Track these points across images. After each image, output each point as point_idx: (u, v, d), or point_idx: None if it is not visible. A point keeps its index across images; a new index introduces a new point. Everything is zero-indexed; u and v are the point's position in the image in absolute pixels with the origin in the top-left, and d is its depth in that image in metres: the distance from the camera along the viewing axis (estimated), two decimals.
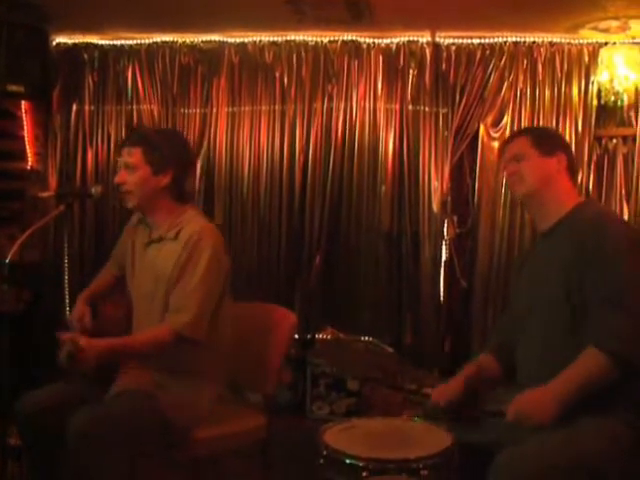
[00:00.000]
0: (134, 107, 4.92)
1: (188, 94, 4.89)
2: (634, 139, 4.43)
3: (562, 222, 2.39)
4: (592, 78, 4.47)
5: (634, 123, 4.44)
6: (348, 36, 4.74)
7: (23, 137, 4.74)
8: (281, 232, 4.82)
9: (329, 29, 4.66)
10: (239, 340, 2.95)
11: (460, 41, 4.65)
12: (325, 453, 2.13)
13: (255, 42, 4.84)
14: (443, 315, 4.63)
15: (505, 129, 4.60)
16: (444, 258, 4.58)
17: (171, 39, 4.89)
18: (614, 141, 4.51)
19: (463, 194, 4.75)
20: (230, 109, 4.85)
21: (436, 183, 4.63)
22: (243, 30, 4.76)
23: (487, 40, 4.61)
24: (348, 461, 2.06)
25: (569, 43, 4.53)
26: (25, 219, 4.52)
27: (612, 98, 4.35)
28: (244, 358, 3.00)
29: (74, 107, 4.93)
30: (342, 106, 4.75)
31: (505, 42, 4.60)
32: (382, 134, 4.72)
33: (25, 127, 4.73)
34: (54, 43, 4.88)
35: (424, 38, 4.67)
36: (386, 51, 4.73)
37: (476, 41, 4.63)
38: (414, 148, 4.68)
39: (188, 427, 2.66)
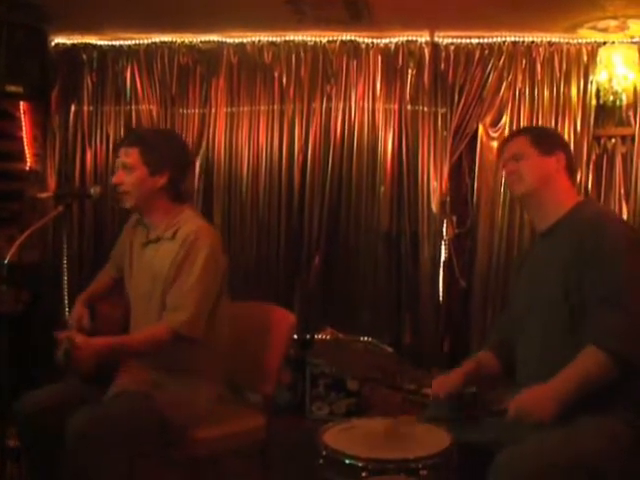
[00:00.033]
0: (133, 107, 4.91)
1: (187, 94, 4.89)
2: (633, 139, 4.43)
3: (561, 222, 2.39)
4: (591, 78, 4.47)
5: (633, 123, 4.44)
6: (347, 36, 4.73)
7: (22, 138, 4.73)
8: (280, 232, 4.82)
9: (328, 29, 4.66)
10: (238, 340, 2.95)
11: (459, 41, 4.65)
12: (324, 453, 2.14)
13: (254, 42, 4.83)
14: (442, 315, 4.63)
15: (504, 129, 4.59)
16: (443, 258, 4.58)
17: (170, 39, 4.89)
18: (613, 141, 4.51)
19: (462, 194, 4.75)
20: (229, 109, 4.85)
21: (435, 183, 4.63)
22: (242, 30, 4.76)
23: (486, 40, 4.61)
24: (347, 461, 2.06)
25: (568, 43, 4.52)
26: (24, 220, 4.52)
27: (611, 98, 4.34)
28: (243, 358, 3.00)
29: (73, 107, 4.93)
30: (341, 106, 4.75)
31: (504, 42, 4.60)
32: (381, 134, 4.72)
33: (24, 128, 4.73)
34: (53, 43, 4.88)
35: (423, 38, 4.67)
36: (385, 51, 4.72)
37: (475, 41, 4.63)
38: (413, 148, 4.68)
39: (186, 426, 2.66)
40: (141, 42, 4.91)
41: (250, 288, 4.66)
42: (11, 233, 4.21)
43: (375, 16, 4.32)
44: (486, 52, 4.62)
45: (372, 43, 4.73)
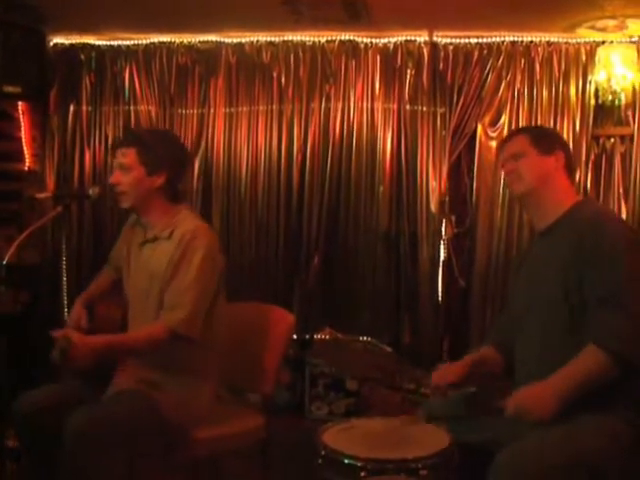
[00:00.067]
0: (131, 108, 4.91)
1: (185, 94, 4.89)
2: (631, 138, 4.44)
3: (560, 221, 2.39)
4: (589, 77, 4.47)
5: (631, 122, 4.45)
6: (345, 36, 4.74)
7: (20, 138, 4.73)
8: (279, 232, 4.82)
9: (326, 29, 4.66)
10: (237, 340, 2.95)
11: (458, 41, 4.65)
12: (324, 453, 2.13)
13: (252, 42, 4.84)
14: (441, 315, 4.63)
15: (503, 129, 4.60)
16: (442, 258, 4.57)
17: (168, 39, 4.89)
18: (612, 140, 4.52)
19: (461, 194, 4.75)
20: (227, 109, 4.85)
21: (434, 183, 4.63)
22: (240, 30, 4.76)
23: (485, 40, 4.62)
24: (347, 461, 2.06)
25: (566, 42, 4.53)
26: (23, 220, 4.52)
27: (609, 97, 4.35)
28: (242, 358, 3.00)
29: (71, 108, 4.93)
30: (340, 106, 4.75)
31: (503, 42, 4.60)
32: (380, 134, 4.72)
33: (22, 128, 4.73)
34: (51, 44, 4.88)
35: (421, 38, 4.67)
36: (383, 51, 4.73)
37: (474, 41, 4.63)
38: (412, 148, 4.68)
39: (186, 427, 2.65)
40: (139, 42, 4.91)
41: (249, 288, 4.65)
42: (10, 233, 4.21)
43: (374, 16, 4.32)
44: (485, 52, 4.62)
45: (371, 43, 4.73)
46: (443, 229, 4.55)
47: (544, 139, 2.46)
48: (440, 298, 4.63)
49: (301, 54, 4.78)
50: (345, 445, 2.12)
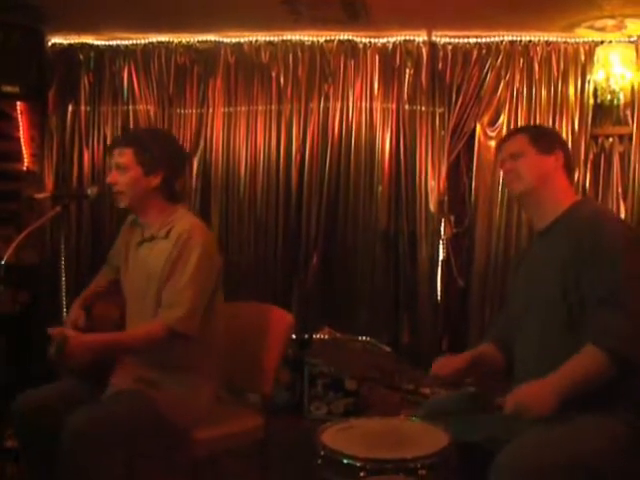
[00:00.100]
0: (130, 108, 4.90)
1: (184, 94, 4.89)
2: (630, 138, 4.44)
3: (559, 221, 2.39)
4: (588, 77, 4.47)
5: (630, 122, 4.45)
6: (344, 36, 4.73)
7: (19, 138, 4.73)
8: (278, 232, 4.82)
9: (325, 29, 4.66)
10: (236, 340, 2.95)
11: (456, 40, 4.65)
12: (323, 453, 2.13)
13: (251, 42, 4.83)
14: (440, 314, 4.63)
15: (501, 128, 4.60)
16: (441, 257, 4.58)
17: (167, 39, 4.88)
18: (610, 140, 4.52)
19: (460, 193, 4.75)
20: (226, 109, 4.85)
21: (433, 182, 4.63)
22: (239, 30, 4.76)
23: (483, 39, 4.62)
24: (346, 461, 2.06)
25: (565, 42, 4.53)
26: (21, 220, 4.51)
27: (608, 97, 4.35)
28: (241, 358, 3.00)
29: (70, 108, 4.92)
30: (338, 106, 4.75)
31: (501, 41, 4.60)
32: (379, 134, 4.72)
33: (21, 128, 4.73)
34: (49, 43, 4.87)
35: (420, 37, 4.67)
36: (382, 50, 4.72)
37: (472, 40, 4.63)
38: (411, 147, 4.68)
39: (186, 427, 2.66)
40: (138, 42, 4.90)
41: (248, 288, 4.66)
42: (8, 234, 4.21)
43: (372, 16, 4.32)
44: (484, 52, 4.62)
45: (369, 43, 4.73)
46: (442, 229, 4.55)
47: (543, 138, 2.46)
48: (439, 298, 4.63)
49: (300, 54, 4.78)
50: (344, 445, 2.12)
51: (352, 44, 4.75)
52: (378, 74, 4.73)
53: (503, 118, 4.61)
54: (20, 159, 4.75)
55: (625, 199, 4.45)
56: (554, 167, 2.41)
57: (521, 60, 4.58)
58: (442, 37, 4.66)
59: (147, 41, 4.90)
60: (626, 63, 4.28)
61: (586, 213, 2.34)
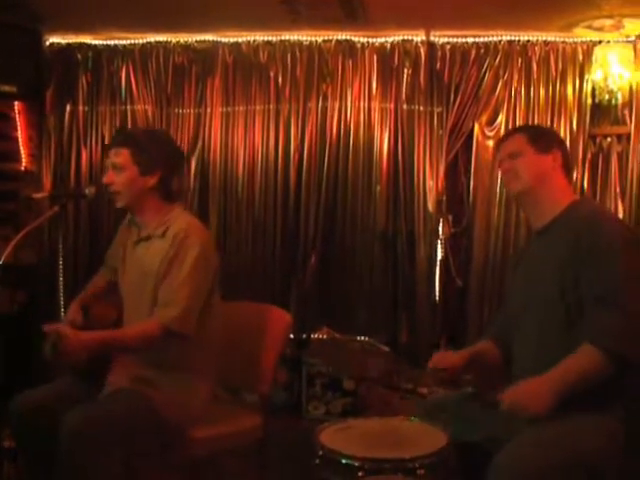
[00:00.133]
0: (128, 107, 4.90)
1: (182, 94, 4.88)
2: (628, 137, 4.44)
3: (557, 220, 2.39)
4: (586, 77, 4.48)
5: (628, 121, 4.45)
6: (342, 35, 4.73)
7: (17, 138, 4.72)
8: (276, 232, 4.82)
9: (323, 29, 4.66)
10: (234, 340, 2.95)
11: (454, 40, 4.65)
12: (321, 453, 2.13)
13: (249, 42, 4.83)
14: (439, 314, 4.63)
15: (500, 128, 4.60)
16: (439, 257, 4.58)
17: (165, 39, 4.88)
18: (608, 139, 4.52)
19: (458, 193, 4.75)
20: (224, 109, 4.85)
21: (431, 182, 4.63)
22: (237, 30, 4.76)
23: (481, 39, 4.62)
24: (344, 461, 2.06)
25: (563, 42, 4.53)
26: (19, 220, 4.51)
27: (606, 96, 4.35)
28: (239, 358, 3.00)
29: (68, 108, 4.92)
30: (337, 105, 4.75)
31: (499, 41, 4.60)
32: (377, 133, 4.72)
33: (19, 128, 4.72)
34: (47, 43, 4.87)
35: (418, 37, 4.68)
36: (380, 50, 4.72)
37: (470, 40, 4.63)
38: (409, 147, 4.68)
39: (183, 426, 2.65)
40: (136, 42, 4.90)
41: (246, 288, 4.65)
42: (6, 233, 4.20)
43: (370, 15, 4.32)
44: (482, 51, 4.62)
45: (368, 42, 4.73)
46: (440, 228, 4.55)
47: (541, 138, 2.46)
48: (437, 297, 4.62)
49: (298, 54, 4.78)
50: (342, 445, 2.12)
51: (350, 44, 4.75)
52: (376, 74, 4.73)
53: (501, 118, 4.62)
54: (18, 159, 4.74)
55: (623, 199, 4.45)
56: (552, 166, 2.41)
57: (519, 60, 4.58)
58: (440, 37, 4.66)
59: (145, 41, 4.89)
60: (624, 63, 4.29)
61: (584, 213, 2.34)
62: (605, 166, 4.51)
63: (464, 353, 2.56)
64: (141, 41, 4.90)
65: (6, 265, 2.64)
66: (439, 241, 4.56)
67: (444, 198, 4.63)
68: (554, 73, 4.54)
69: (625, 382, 2.14)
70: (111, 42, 4.92)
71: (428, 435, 2.20)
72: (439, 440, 2.14)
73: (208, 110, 4.86)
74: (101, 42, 4.92)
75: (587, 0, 3.90)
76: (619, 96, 4.33)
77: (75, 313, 2.82)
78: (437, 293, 4.63)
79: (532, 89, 4.57)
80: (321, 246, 4.77)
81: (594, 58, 4.39)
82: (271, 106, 4.80)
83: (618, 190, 4.47)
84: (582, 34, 4.42)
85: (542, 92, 4.55)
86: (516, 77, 4.58)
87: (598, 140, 4.54)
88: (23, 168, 4.77)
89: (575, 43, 4.51)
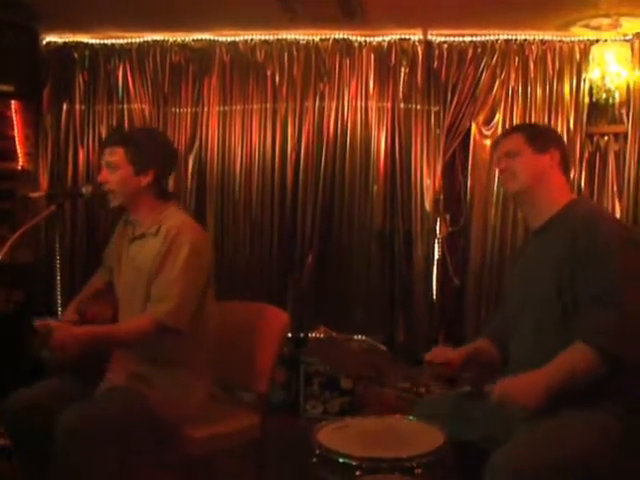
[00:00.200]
0: (125, 106, 4.90)
1: (179, 93, 4.88)
2: (625, 136, 4.45)
3: (554, 220, 2.39)
4: (584, 76, 4.48)
5: (625, 120, 4.45)
6: (340, 34, 4.73)
7: (13, 137, 4.71)
8: (273, 231, 4.81)
9: (320, 27, 4.66)
10: (232, 339, 2.95)
11: (452, 39, 4.65)
12: (318, 452, 2.13)
13: (246, 41, 4.83)
14: (436, 313, 4.64)
15: (497, 127, 4.60)
16: (437, 256, 4.58)
17: (162, 38, 4.88)
18: (606, 138, 4.53)
19: (455, 192, 4.75)
20: (221, 108, 4.84)
21: (428, 181, 4.63)
22: (234, 29, 4.75)
23: (479, 38, 4.62)
24: (341, 460, 2.06)
25: (560, 41, 4.53)
26: (16, 219, 4.50)
27: (604, 95, 4.35)
28: (237, 357, 3.00)
29: (65, 106, 4.92)
30: (334, 105, 4.75)
31: (497, 40, 4.60)
32: (374, 132, 4.72)
33: (15, 127, 4.71)
34: (44, 42, 4.86)
35: (416, 36, 4.67)
36: (378, 49, 4.72)
37: (468, 39, 4.63)
38: (406, 146, 4.68)
39: (179, 425, 2.65)
40: (133, 41, 4.90)
41: (243, 287, 4.66)
42: (3, 233, 4.19)
43: (368, 14, 4.32)
44: (479, 50, 4.62)
45: (365, 41, 4.73)
46: (437, 227, 4.55)
47: (539, 137, 2.46)
48: (434, 296, 4.63)
49: (295, 53, 4.78)
50: (340, 444, 2.12)
51: (347, 43, 4.74)
52: (373, 73, 4.72)
53: (498, 117, 4.62)
54: (15, 158, 4.73)
55: (620, 198, 4.45)
56: (550, 165, 2.41)
57: (516, 59, 4.58)
58: (437, 36, 4.66)
59: (142, 40, 4.89)
60: (621, 62, 4.29)
61: (581, 212, 2.34)
62: (602, 165, 4.52)
63: (462, 350, 2.57)
64: (138, 40, 4.89)
65: (3, 264, 2.63)
66: (436, 240, 4.57)
67: (441, 197, 4.63)
68: (551, 72, 4.54)
69: (624, 381, 2.14)
70: (108, 41, 4.91)
71: (425, 434, 2.20)
72: (436, 439, 2.14)
73: (205, 109, 4.85)
74: (98, 41, 4.92)
75: None
76: (616, 95, 4.33)
77: (72, 314, 2.83)
78: (434, 292, 4.64)
79: (529, 88, 4.57)
80: (318, 245, 4.77)
81: (591, 57, 4.39)
82: (268, 105, 4.80)
83: (615, 189, 4.48)
84: (579, 33, 4.42)
85: (539, 91, 4.56)
86: (513, 76, 4.58)
87: (595, 139, 4.54)
88: (20, 167, 4.76)
89: (572, 42, 4.51)
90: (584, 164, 4.51)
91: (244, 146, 4.83)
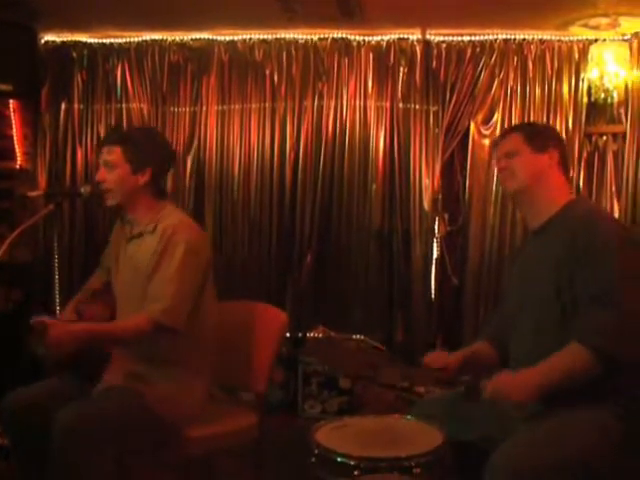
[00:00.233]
0: (123, 106, 4.89)
1: (178, 92, 4.87)
2: (624, 136, 4.44)
3: (553, 220, 2.39)
4: (582, 75, 4.48)
5: (624, 120, 4.45)
6: (338, 34, 4.73)
7: (12, 136, 4.71)
8: (272, 230, 4.81)
9: (319, 27, 4.66)
10: (230, 339, 2.94)
11: (450, 38, 4.65)
12: (317, 452, 2.13)
13: (245, 40, 4.82)
14: (434, 312, 4.64)
15: (495, 127, 4.60)
16: (435, 256, 4.58)
17: (160, 37, 4.87)
18: (604, 138, 4.53)
19: (454, 192, 4.75)
20: (220, 107, 4.84)
21: (427, 181, 4.63)
22: (233, 28, 4.75)
23: (477, 37, 4.62)
24: (339, 460, 2.06)
25: (559, 40, 4.53)
26: (14, 218, 4.50)
27: (602, 95, 4.35)
28: (235, 357, 3.00)
29: (63, 106, 4.91)
30: (332, 104, 4.74)
31: (495, 39, 4.60)
32: (373, 132, 4.71)
33: (14, 126, 4.71)
34: (42, 41, 4.85)
35: (414, 35, 4.67)
36: (376, 49, 4.72)
37: (466, 38, 4.63)
38: (405, 146, 4.68)
39: (178, 424, 2.65)
40: (131, 40, 4.89)
41: (242, 287, 4.65)
42: (1, 232, 4.19)
43: (367, 13, 4.32)
44: (478, 50, 4.62)
45: (364, 41, 4.73)
46: (436, 227, 4.55)
47: (538, 136, 2.46)
48: (433, 296, 4.63)
49: (294, 52, 4.77)
50: (338, 443, 2.12)
51: (346, 42, 4.74)
52: (372, 72, 4.72)
53: (497, 116, 4.62)
54: (13, 157, 4.73)
55: (619, 198, 4.45)
56: (549, 165, 2.41)
57: (515, 58, 4.58)
58: (436, 35, 4.66)
59: (140, 39, 4.88)
60: (620, 61, 4.29)
61: (580, 212, 2.34)
62: (601, 165, 4.52)
63: (459, 354, 2.57)
64: (136, 39, 4.89)
65: (1, 263, 2.64)
66: (435, 240, 4.57)
67: (440, 197, 4.63)
68: (550, 72, 4.54)
69: (624, 381, 2.14)
70: (106, 40, 4.90)
71: (424, 434, 2.20)
72: (435, 439, 2.14)
73: (204, 108, 4.85)
74: (96, 40, 4.91)
75: None
76: (615, 95, 4.34)
77: (70, 314, 2.83)
78: (433, 292, 4.64)
79: (528, 88, 4.57)
80: (317, 245, 4.76)
81: (590, 57, 4.39)
82: (267, 104, 4.80)
83: (614, 189, 4.48)
84: (578, 32, 4.42)
85: (538, 91, 4.56)
86: (512, 76, 4.58)
87: (594, 139, 4.54)
88: (18, 166, 4.76)
89: (571, 41, 4.51)
90: (582, 164, 4.51)
91: (243, 145, 4.82)
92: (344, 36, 4.73)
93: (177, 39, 4.87)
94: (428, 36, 4.66)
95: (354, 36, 4.72)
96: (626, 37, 4.35)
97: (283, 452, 3.29)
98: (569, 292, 2.22)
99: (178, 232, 2.68)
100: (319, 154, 4.75)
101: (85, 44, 4.92)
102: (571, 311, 2.21)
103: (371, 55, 4.72)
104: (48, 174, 4.91)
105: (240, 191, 4.82)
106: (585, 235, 2.22)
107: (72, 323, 2.62)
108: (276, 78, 4.79)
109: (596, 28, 4.27)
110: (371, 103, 4.72)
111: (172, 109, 4.88)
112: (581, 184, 4.50)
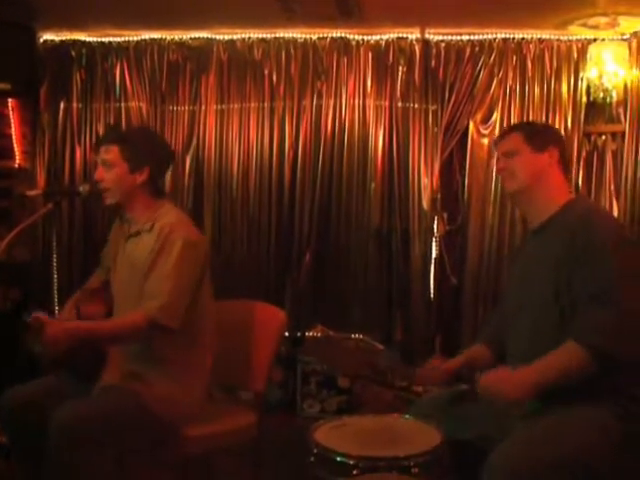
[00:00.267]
0: (122, 105, 4.89)
1: (177, 91, 4.87)
2: (623, 136, 4.44)
3: (553, 220, 2.39)
4: (581, 74, 4.48)
5: (623, 119, 4.45)
6: (337, 33, 4.72)
7: (10, 135, 4.71)
8: (271, 230, 4.81)
9: (318, 26, 4.65)
10: (229, 338, 2.94)
11: (449, 38, 4.64)
12: (316, 451, 2.13)
13: (244, 39, 4.82)
14: (433, 312, 4.63)
15: (494, 126, 4.60)
16: (434, 255, 4.58)
17: (159, 36, 4.87)
18: (603, 137, 4.53)
19: (453, 191, 4.75)
20: (219, 106, 4.83)
21: (426, 180, 4.63)
22: (232, 27, 4.75)
23: (476, 37, 4.62)
24: (338, 459, 2.06)
25: (558, 40, 4.53)
26: (13, 217, 4.50)
27: (601, 94, 4.36)
28: (234, 356, 2.99)
29: (62, 105, 4.90)
30: (331, 103, 4.74)
31: (494, 39, 4.60)
32: (372, 131, 4.71)
33: (12, 125, 4.71)
34: (41, 40, 4.85)
35: (413, 35, 4.67)
36: (375, 48, 4.72)
37: (465, 38, 4.63)
38: (404, 145, 4.67)
39: (176, 424, 2.65)
40: (130, 39, 4.88)
41: (241, 286, 4.64)
42: (0, 231, 4.19)
43: (365, 13, 4.31)
44: (477, 49, 4.62)
45: (362, 40, 4.72)
46: (435, 226, 4.55)
47: (537, 136, 2.46)
48: (432, 295, 4.63)
49: (292, 51, 4.77)
50: (337, 443, 2.12)
51: (345, 41, 4.74)
52: (371, 71, 4.72)
53: (496, 116, 4.61)
54: (12, 156, 4.73)
55: (618, 197, 4.46)
56: (548, 164, 2.41)
57: (514, 58, 4.58)
58: (435, 34, 4.66)
59: (139, 38, 4.88)
60: (619, 61, 4.29)
61: (579, 211, 2.34)
62: (600, 164, 4.52)
63: (456, 361, 2.56)
64: (135, 38, 4.88)
65: (0, 263, 2.64)
66: (434, 239, 4.57)
67: (439, 196, 4.63)
68: (549, 71, 4.54)
69: (623, 380, 2.14)
70: (105, 39, 4.90)
71: (422, 433, 2.21)
72: (433, 438, 2.14)
73: (203, 107, 4.84)
74: (95, 39, 4.90)
75: None
76: (614, 94, 4.34)
77: (68, 313, 2.83)
78: (432, 291, 4.63)
79: (527, 87, 4.57)
80: (316, 244, 4.76)
81: (589, 56, 4.40)
82: (265, 104, 4.79)
83: (613, 188, 4.48)
84: (577, 32, 4.42)
85: (537, 90, 4.56)
86: (511, 75, 4.58)
87: (593, 138, 4.54)
88: (17, 165, 4.76)
89: (570, 41, 4.51)
90: (582, 163, 4.51)
91: (241, 144, 4.82)
92: (343, 35, 4.73)
93: (176, 38, 4.87)
94: (427, 35, 4.66)
95: (353, 35, 4.72)
96: (625, 36, 4.36)
97: (282, 451, 3.30)
98: (568, 295, 2.22)
99: (175, 230, 2.68)
100: (318, 153, 4.74)
101: (84, 43, 4.91)
102: (570, 312, 2.21)
103: (370, 54, 4.71)
104: (47, 173, 4.91)
105: (239, 190, 4.82)
106: (584, 234, 2.22)
107: (69, 321, 2.62)
108: (275, 77, 4.79)
109: (595, 27, 4.27)
110: (370, 102, 4.71)
111: (171, 108, 4.87)
112: (580, 183, 4.50)
